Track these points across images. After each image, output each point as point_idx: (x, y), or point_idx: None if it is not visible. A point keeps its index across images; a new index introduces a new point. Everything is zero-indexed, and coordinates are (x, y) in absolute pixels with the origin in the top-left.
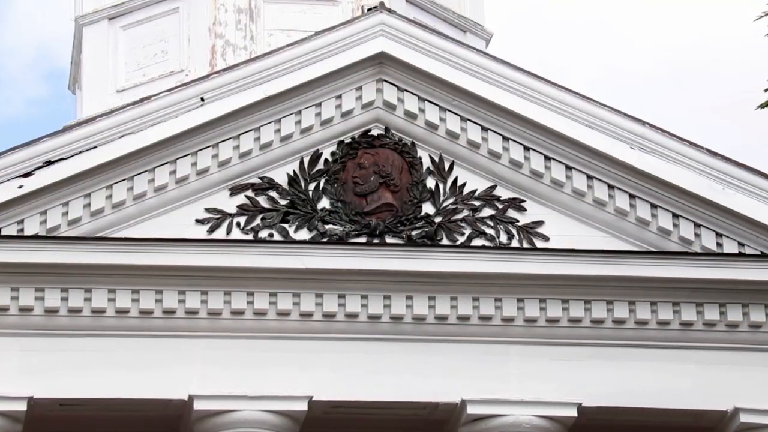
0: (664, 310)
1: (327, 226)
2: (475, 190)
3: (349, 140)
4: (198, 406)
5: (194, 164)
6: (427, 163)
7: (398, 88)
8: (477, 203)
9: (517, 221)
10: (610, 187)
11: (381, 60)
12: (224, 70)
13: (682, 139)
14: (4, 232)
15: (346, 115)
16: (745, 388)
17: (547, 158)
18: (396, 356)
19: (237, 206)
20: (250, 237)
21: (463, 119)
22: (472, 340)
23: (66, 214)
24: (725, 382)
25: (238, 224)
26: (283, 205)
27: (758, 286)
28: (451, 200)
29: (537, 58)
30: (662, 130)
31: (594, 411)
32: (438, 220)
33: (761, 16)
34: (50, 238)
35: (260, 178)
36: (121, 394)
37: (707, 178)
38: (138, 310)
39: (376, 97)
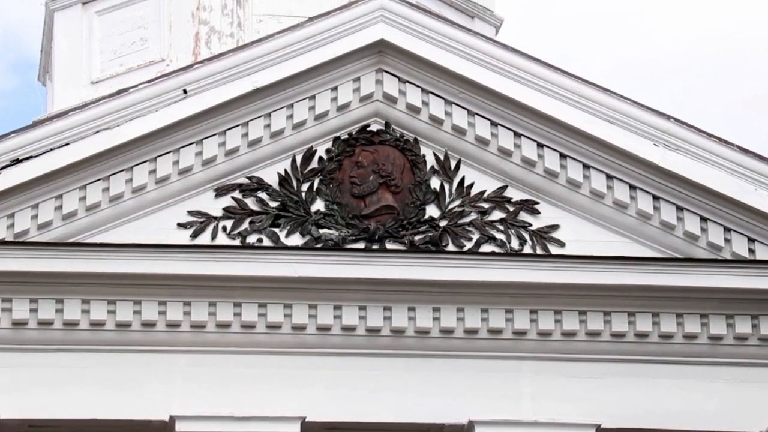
0: (691, 322)
1: (321, 231)
2: (484, 191)
3: (346, 136)
4: (180, 427)
5: (176, 163)
6: (431, 161)
7: (399, 79)
8: (486, 205)
9: (530, 225)
10: (632, 187)
11: (381, 48)
12: (209, 59)
13: (710, 135)
14: None
15: (342, 108)
16: None
17: (562, 156)
18: (397, 373)
19: (223, 209)
20: (237, 242)
21: (471, 113)
22: (481, 355)
23: (35, 217)
24: (758, 402)
25: (224, 228)
26: (273, 208)
27: None
28: (457, 202)
29: (551, 47)
30: (689, 126)
31: None
32: (443, 223)
33: None
34: (18, 243)
35: (248, 178)
36: (95, 415)
37: (738, 178)
38: (114, 322)
39: (376, 89)
